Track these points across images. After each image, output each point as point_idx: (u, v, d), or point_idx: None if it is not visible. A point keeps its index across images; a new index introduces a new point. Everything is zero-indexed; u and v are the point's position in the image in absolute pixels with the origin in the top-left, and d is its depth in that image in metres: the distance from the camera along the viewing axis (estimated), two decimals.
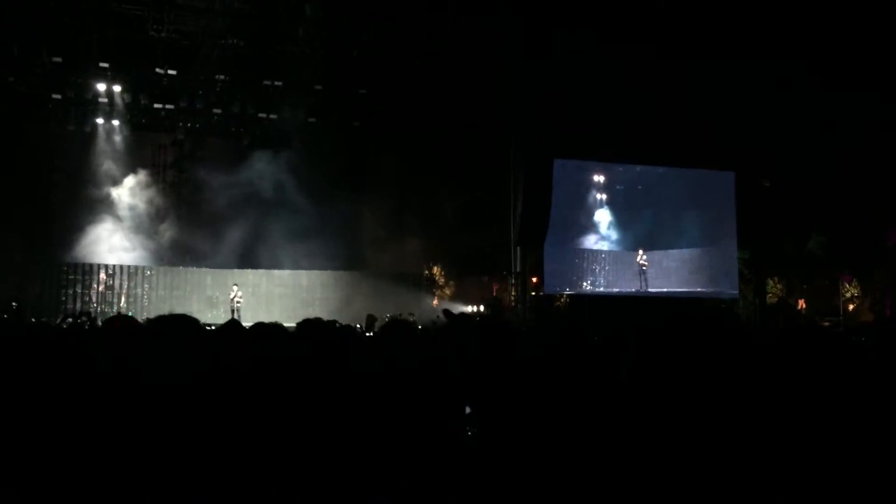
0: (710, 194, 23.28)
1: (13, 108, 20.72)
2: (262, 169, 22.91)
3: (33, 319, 16.23)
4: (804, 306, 23.00)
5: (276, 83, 22.17)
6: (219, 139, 24.06)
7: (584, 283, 22.76)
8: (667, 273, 23.21)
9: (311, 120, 23.32)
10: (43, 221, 21.70)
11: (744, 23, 19.30)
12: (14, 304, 17.52)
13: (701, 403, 2.75)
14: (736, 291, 23.06)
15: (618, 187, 23.37)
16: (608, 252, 23.12)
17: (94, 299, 21.54)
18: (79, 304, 21.10)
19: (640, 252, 22.81)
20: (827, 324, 19.26)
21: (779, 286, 23.89)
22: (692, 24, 19.32)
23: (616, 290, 22.99)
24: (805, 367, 3.14)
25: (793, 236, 23.16)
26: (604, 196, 23.07)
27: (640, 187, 23.50)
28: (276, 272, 23.24)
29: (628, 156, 22.71)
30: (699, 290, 22.95)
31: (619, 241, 23.12)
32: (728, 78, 20.28)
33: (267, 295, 23.00)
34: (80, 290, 21.53)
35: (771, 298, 23.55)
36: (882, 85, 19.68)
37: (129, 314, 20.81)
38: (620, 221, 23.10)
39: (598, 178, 23.17)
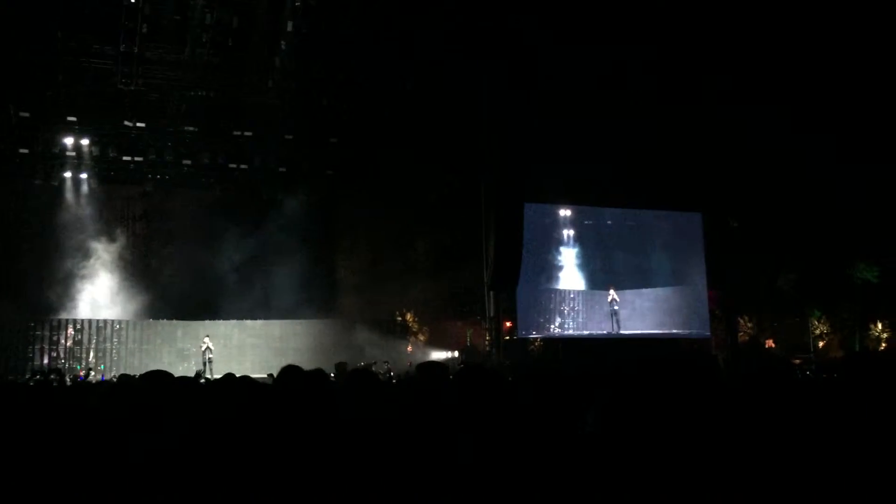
0: (679, 233, 23.61)
1: None
2: (232, 219, 22.86)
3: None
4: (772, 345, 23.21)
5: (247, 133, 22.20)
6: (188, 190, 23.96)
7: (557, 326, 22.81)
8: (639, 314, 23.36)
9: (282, 169, 23.34)
10: (9, 276, 21.37)
11: (709, 67, 19.74)
12: None
13: (673, 450, 2.76)
14: (708, 332, 23.24)
15: (586, 222, 23.59)
16: (580, 292, 23.24)
17: (61, 355, 21.14)
18: (46, 360, 20.70)
19: (612, 291, 22.92)
20: (798, 361, 19.43)
21: (750, 325, 24.11)
22: (658, 70, 19.73)
23: (588, 331, 23.05)
24: (778, 410, 3.17)
25: (762, 275, 23.46)
26: (572, 232, 23.26)
27: (609, 222, 23.75)
28: (248, 322, 23.00)
29: (597, 199, 23.01)
30: (672, 331, 23.09)
31: (589, 280, 23.26)
32: (693, 121, 20.70)
33: (239, 346, 22.73)
34: (47, 346, 21.13)
35: (742, 337, 23.75)
36: (845, 124, 20.18)
37: (102, 368, 20.52)
38: (590, 259, 23.30)
39: (566, 213, 23.40)
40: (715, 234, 23.20)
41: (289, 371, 3.34)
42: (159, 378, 3.08)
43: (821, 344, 23.60)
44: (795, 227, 21.92)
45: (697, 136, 21.04)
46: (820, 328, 23.78)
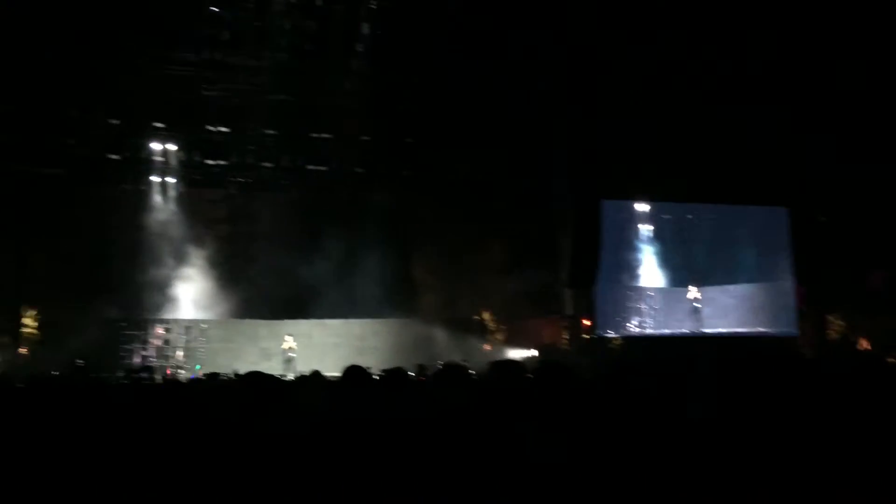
0: (765, 228, 22.94)
1: (72, 170, 21.33)
2: (312, 221, 23.25)
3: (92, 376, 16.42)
4: (866, 345, 22.26)
5: (325, 136, 22.56)
6: (269, 193, 24.47)
7: (637, 324, 22.47)
8: (723, 311, 22.81)
9: (359, 170, 23.62)
10: (100, 278, 22.16)
11: (796, 58, 19.13)
12: (79, 362, 17.81)
13: (780, 437, 2.69)
14: (796, 330, 22.50)
15: (664, 216, 23.13)
16: (659, 289, 22.83)
17: (151, 354, 21.83)
18: (137, 360, 21.39)
19: (694, 288, 22.42)
20: (893, 360, 18.62)
21: (840, 323, 23.22)
22: (741, 62, 19.22)
23: (669, 329, 22.64)
24: (873, 407, 3.05)
25: (853, 271, 22.55)
26: (651, 227, 22.85)
27: (689, 216, 23.24)
28: (329, 322, 23.32)
29: (678, 194, 22.54)
30: (757, 329, 22.45)
31: (670, 277, 22.83)
32: (776, 114, 20.09)
33: (320, 345, 23.07)
34: (137, 346, 21.87)
35: (832, 336, 22.89)
36: None
37: (197, 368, 21.09)
38: (670, 255, 22.87)
39: (643, 208, 23.01)
40: (802, 229, 22.44)
41: (354, 370, 3.38)
42: (253, 378, 3.15)
43: None
44: (889, 221, 21.00)
45: (782, 129, 20.40)
46: None
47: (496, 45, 19.19)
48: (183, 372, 20.75)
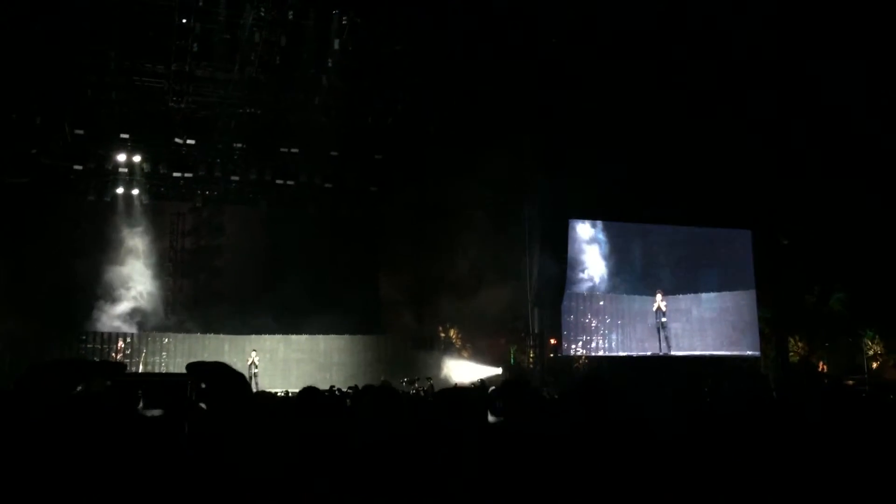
0: (727, 249, 23.21)
1: (35, 180, 21.01)
2: (279, 235, 23.11)
3: None
4: (824, 368, 22.60)
5: (293, 150, 22.47)
6: (236, 206, 24.30)
7: (602, 342, 22.52)
8: (685, 332, 22.93)
9: (328, 185, 23.54)
10: (62, 290, 21.80)
11: (751, 82, 19.45)
12: None
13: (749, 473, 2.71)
14: (757, 351, 22.76)
15: (628, 235, 23.26)
16: (625, 306, 22.88)
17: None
18: None
19: (659, 297, 22.40)
20: (851, 382, 18.93)
21: (800, 344, 23.57)
22: (702, 87, 19.50)
23: (634, 348, 22.67)
24: (834, 428, 3.08)
25: (814, 293, 22.92)
26: (615, 244, 22.94)
27: (652, 237, 23.35)
28: (294, 337, 23.15)
29: (644, 215, 22.77)
30: (720, 352, 22.61)
31: (633, 292, 22.91)
32: (740, 137, 20.40)
33: (284, 360, 22.88)
34: (98, 359, 21.49)
35: (793, 357, 23.22)
36: None
37: None
38: (634, 273, 22.96)
39: (609, 228, 23.14)
40: (765, 252, 22.76)
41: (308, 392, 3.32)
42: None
43: (874, 365, 22.97)
44: (849, 244, 21.38)
45: (746, 153, 20.72)
46: (874, 348, 23.16)
47: (468, 61, 19.25)
48: None
